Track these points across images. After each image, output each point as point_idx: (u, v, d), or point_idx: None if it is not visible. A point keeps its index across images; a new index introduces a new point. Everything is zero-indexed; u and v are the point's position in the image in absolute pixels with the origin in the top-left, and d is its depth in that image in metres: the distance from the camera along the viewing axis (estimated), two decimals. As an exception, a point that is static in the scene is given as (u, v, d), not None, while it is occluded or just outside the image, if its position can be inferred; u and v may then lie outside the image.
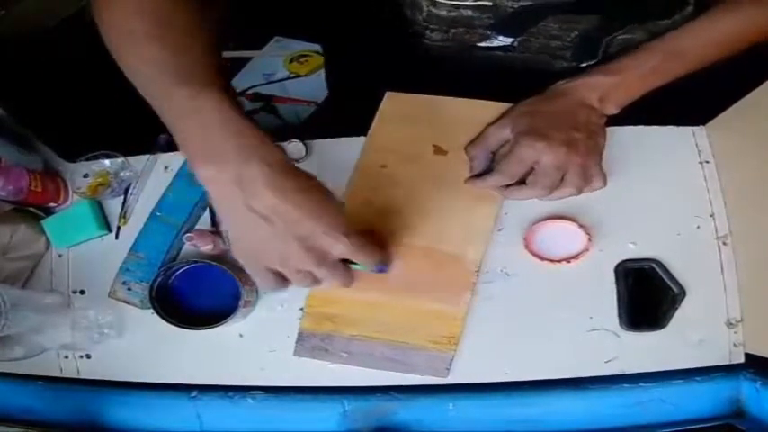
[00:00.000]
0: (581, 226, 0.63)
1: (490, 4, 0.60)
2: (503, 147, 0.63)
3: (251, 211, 0.43)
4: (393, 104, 0.71)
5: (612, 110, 0.61)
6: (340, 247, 0.47)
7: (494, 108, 0.67)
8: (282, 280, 0.49)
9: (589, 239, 0.62)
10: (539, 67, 0.70)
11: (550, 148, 0.57)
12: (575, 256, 0.63)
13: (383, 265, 0.56)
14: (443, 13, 0.63)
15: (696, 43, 0.60)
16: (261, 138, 0.44)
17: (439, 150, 0.67)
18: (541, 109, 0.61)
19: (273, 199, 0.43)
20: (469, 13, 0.62)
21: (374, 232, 0.65)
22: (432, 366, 0.62)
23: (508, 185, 0.61)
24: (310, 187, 0.46)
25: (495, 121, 0.65)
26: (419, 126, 0.68)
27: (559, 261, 0.63)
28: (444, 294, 0.63)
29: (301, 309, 0.66)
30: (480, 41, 0.67)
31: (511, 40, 0.66)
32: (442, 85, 0.70)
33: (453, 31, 0.66)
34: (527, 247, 0.63)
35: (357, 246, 0.48)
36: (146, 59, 0.46)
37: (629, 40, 0.64)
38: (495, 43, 0.67)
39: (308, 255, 0.46)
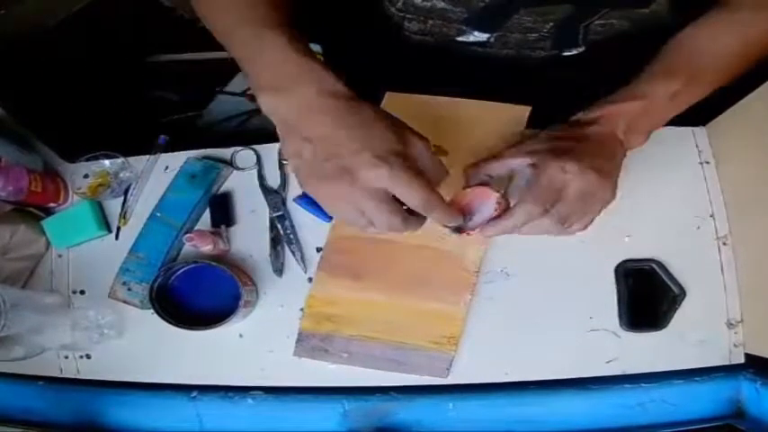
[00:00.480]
0: (489, 187, 0.55)
1: None
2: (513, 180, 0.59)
3: (302, 137, 0.46)
4: (393, 104, 0.70)
5: (639, 142, 0.56)
6: (370, 174, 0.44)
7: (494, 108, 0.67)
8: (347, 210, 0.47)
9: (498, 202, 0.53)
10: (520, 60, 0.69)
11: (580, 172, 0.49)
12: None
13: (442, 216, 0.47)
14: (418, 1, 0.63)
15: (716, 61, 0.55)
16: (320, 70, 0.47)
17: (440, 150, 0.67)
18: (568, 135, 0.54)
19: (322, 125, 0.45)
20: (443, 4, 0.62)
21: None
22: (432, 367, 0.62)
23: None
24: (367, 114, 0.46)
25: (511, 146, 0.57)
26: (420, 126, 0.67)
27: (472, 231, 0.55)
28: (444, 294, 0.63)
29: (301, 309, 0.66)
30: (458, 36, 0.67)
31: (486, 35, 0.66)
32: (426, 81, 0.70)
33: (431, 22, 0.66)
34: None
35: (392, 174, 0.43)
36: (223, 4, 0.52)
37: (609, 26, 0.63)
38: (472, 38, 0.67)
39: (340, 177, 0.44)
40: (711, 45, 0.55)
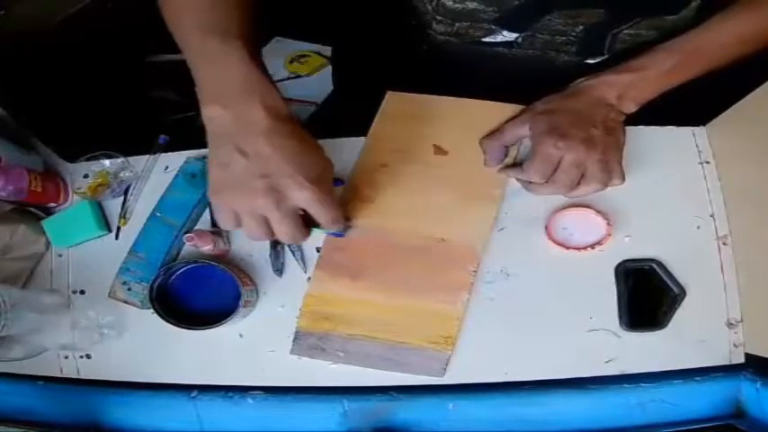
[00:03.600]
0: (599, 212, 0.63)
1: None
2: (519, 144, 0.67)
3: (237, 150, 0.48)
4: (394, 103, 0.71)
5: (631, 107, 0.61)
6: (299, 195, 0.48)
7: (494, 108, 0.68)
8: (238, 222, 0.51)
9: (608, 224, 0.62)
10: (543, 62, 0.70)
11: (570, 146, 0.57)
12: (599, 242, 0.63)
13: (338, 229, 0.56)
14: (449, 3, 0.63)
15: (716, 41, 0.60)
16: (268, 88, 0.49)
17: (439, 150, 0.68)
18: (560, 107, 0.62)
19: (262, 144, 0.48)
20: (475, 5, 0.62)
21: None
22: (428, 366, 0.63)
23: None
24: (302, 139, 0.50)
25: (513, 117, 0.66)
26: (420, 126, 0.69)
27: (584, 248, 0.63)
28: (442, 294, 0.64)
29: (301, 309, 0.66)
30: (485, 36, 0.67)
31: (515, 35, 0.66)
32: (446, 81, 0.70)
33: (458, 24, 0.66)
34: (549, 237, 0.63)
35: (317, 198, 0.49)
36: (185, 7, 0.52)
37: (636, 35, 0.64)
38: (500, 38, 0.67)
39: (268, 195, 0.48)
40: (717, 23, 0.59)
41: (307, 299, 0.66)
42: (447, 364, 0.62)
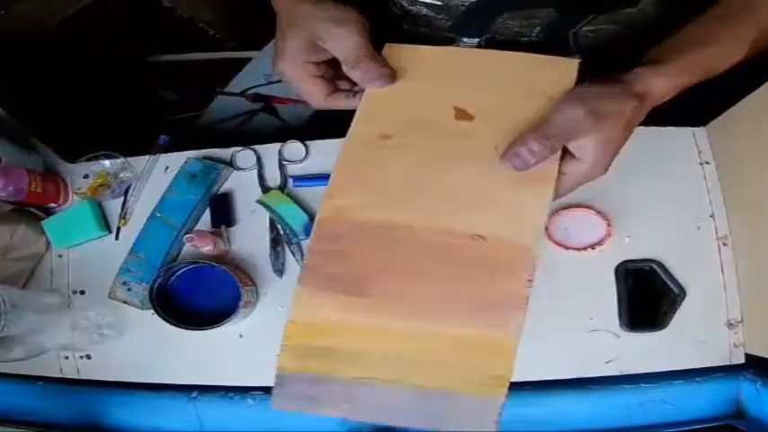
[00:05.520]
0: (599, 213, 0.63)
1: (440, 3, 0.60)
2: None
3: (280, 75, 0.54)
4: (396, 60, 0.53)
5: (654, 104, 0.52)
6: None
7: (535, 62, 0.51)
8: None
9: (608, 224, 0.62)
10: None
11: (602, 172, 0.49)
12: (599, 243, 0.63)
13: (384, 84, 0.51)
14: (406, 5, 0.63)
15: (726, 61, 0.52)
16: (302, 18, 0.51)
17: (463, 114, 0.49)
18: (619, 116, 0.48)
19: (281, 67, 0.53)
20: (425, 11, 0.62)
21: None
22: (474, 418, 0.43)
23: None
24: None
25: (560, 106, 0.48)
26: (434, 83, 0.51)
27: (584, 249, 0.63)
28: (485, 315, 0.44)
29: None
30: (450, 44, 0.67)
31: (476, 40, 0.66)
32: None
33: (422, 29, 0.66)
34: (549, 237, 0.63)
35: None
36: None
37: (597, 31, 0.62)
38: (462, 45, 0.66)
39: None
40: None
41: (288, 328, 0.45)
42: (501, 414, 0.42)
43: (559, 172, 0.47)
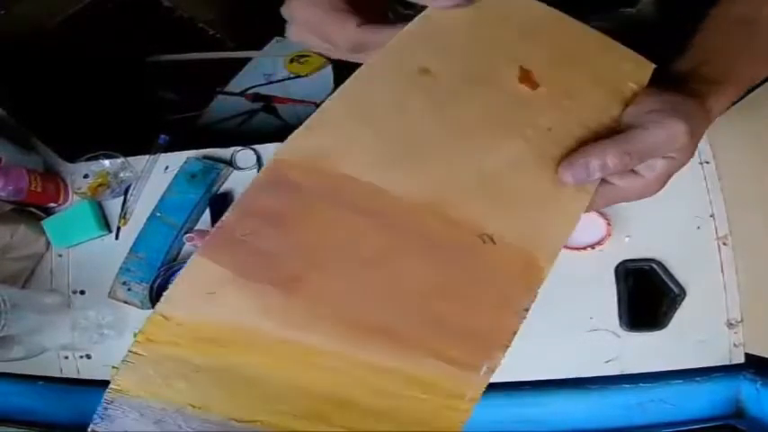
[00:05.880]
0: (599, 212, 0.63)
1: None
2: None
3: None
4: None
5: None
6: None
7: (614, 50, 0.42)
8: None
9: (608, 224, 0.62)
10: None
11: (658, 189, 0.43)
12: (599, 242, 0.63)
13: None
14: (401, 10, 0.63)
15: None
16: None
17: (527, 78, 0.38)
18: (696, 133, 0.43)
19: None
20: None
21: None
22: None
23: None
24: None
25: (656, 117, 0.41)
26: (508, 29, 0.40)
27: (584, 248, 0.63)
28: (458, 345, 0.32)
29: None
30: None
31: None
32: None
33: None
34: None
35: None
36: None
37: (598, 28, 0.63)
38: None
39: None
40: None
41: (149, 327, 0.28)
42: None
43: (606, 181, 0.38)
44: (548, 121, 0.37)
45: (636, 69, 0.42)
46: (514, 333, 0.34)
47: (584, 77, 0.40)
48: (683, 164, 0.42)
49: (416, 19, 0.38)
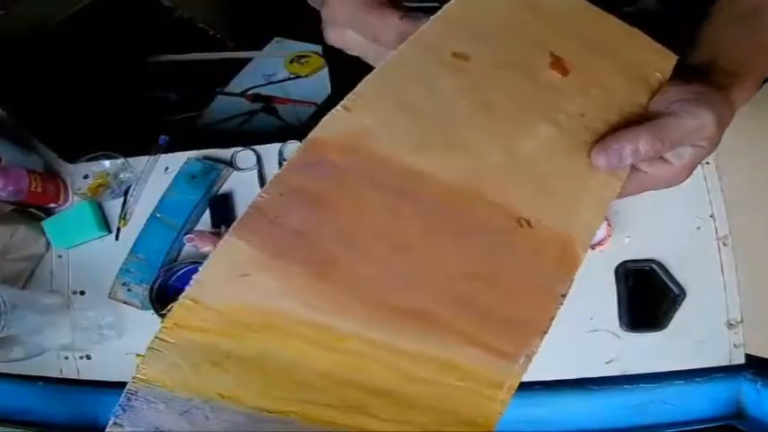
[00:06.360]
0: None
1: (438, 5, 0.60)
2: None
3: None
4: None
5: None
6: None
7: (640, 40, 0.42)
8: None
9: (608, 224, 0.62)
10: None
11: (686, 176, 0.42)
12: (599, 243, 0.62)
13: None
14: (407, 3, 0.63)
15: None
16: None
17: (558, 65, 0.39)
18: (723, 125, 0.42)
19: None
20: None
21: None
22: None
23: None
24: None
25: (686, 107, 0.41)
26: (533, 17, 0.40)
27: None
28: (497, 333, 0.31)
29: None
30: None
31: None
32: None
33: None
34: None
35: None
36: None
37: None
38: None
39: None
40: None
41: (181, 308, 0.28)
42: None
43: (635, 168, 0.38)
44: (579, 107, 0.37)
45: (660, 60, 0.42)
46: (552, 319, 0.33)
47: (611, 66, 0.40)
48: (709, 153, 0.41)
49: (448, 5, 0.38)
